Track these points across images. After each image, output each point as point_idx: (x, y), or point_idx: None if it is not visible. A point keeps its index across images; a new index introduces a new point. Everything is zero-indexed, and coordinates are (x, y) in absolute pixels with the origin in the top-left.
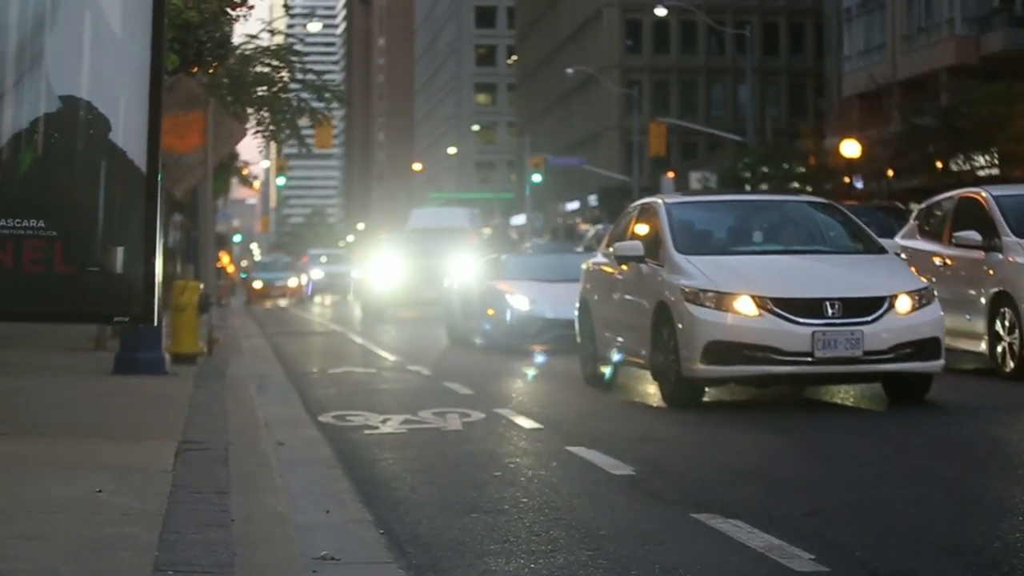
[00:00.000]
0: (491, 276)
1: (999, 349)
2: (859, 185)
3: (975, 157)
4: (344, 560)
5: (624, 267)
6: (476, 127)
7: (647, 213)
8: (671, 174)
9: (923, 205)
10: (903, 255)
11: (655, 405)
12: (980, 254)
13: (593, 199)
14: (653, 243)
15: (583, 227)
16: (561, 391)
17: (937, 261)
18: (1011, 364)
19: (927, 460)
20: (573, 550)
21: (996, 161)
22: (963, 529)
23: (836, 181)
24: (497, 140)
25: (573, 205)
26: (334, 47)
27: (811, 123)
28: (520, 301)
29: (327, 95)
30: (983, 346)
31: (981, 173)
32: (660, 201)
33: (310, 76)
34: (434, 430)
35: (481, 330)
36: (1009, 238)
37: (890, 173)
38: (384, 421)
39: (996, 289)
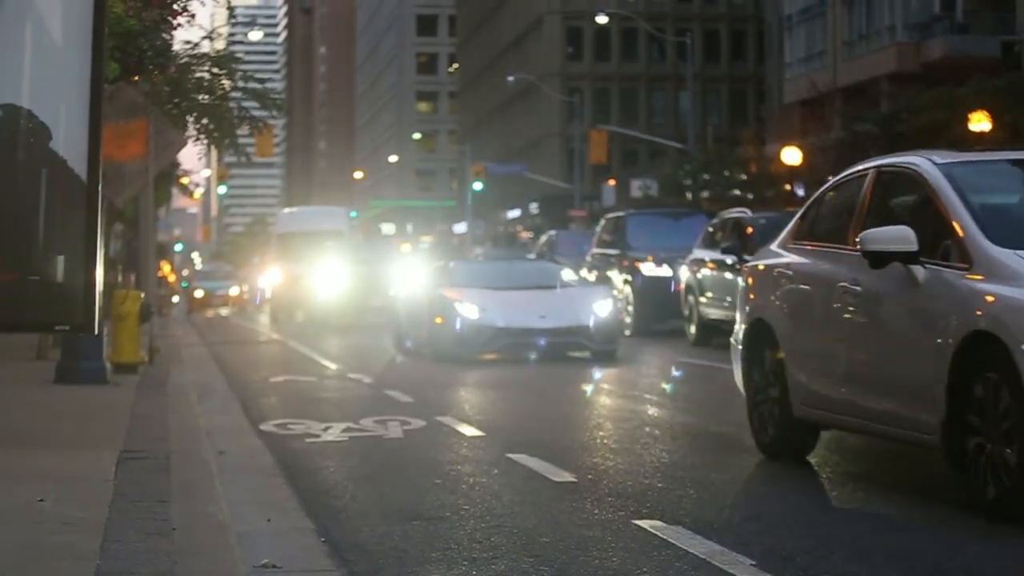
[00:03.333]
0: (439, 283)
1: None
2: (800, 192)
3: None
4: (285, 568)
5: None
6: (417, 135)
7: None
8: (612, 182)
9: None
10: None
11: (598, 414)
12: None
13: (534, 207)
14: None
15: (524, 235)
16: (503, 399)
17: None
18: None
19: (874, 467)
20: (514, 557)
21: None
22: (905, 535)
23: (777, 188)
24: (438, 148)
25: (514, 213)
26: (275, 55)
27: (752, 130)
28: (469, 309)
29: (268, 103)
30: None
31: None
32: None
33: (251, 84)
34: (375, 438)
35: (429, 339)
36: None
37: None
38: (325, 429)
39: None
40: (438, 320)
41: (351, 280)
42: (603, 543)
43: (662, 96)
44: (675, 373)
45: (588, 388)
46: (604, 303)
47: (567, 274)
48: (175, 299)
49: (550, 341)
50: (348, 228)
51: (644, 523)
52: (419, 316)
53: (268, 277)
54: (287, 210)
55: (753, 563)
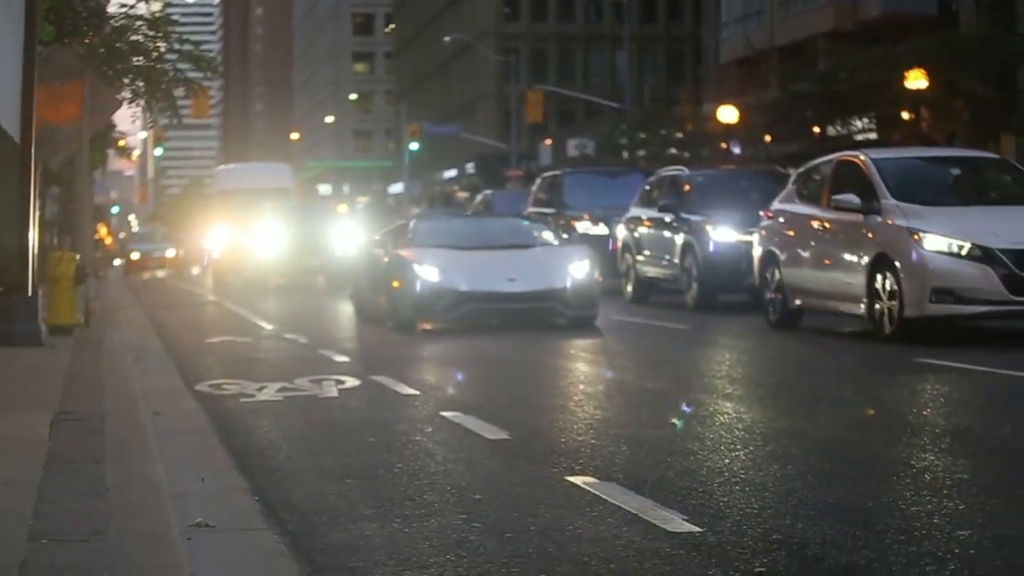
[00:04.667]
0: (397, 243)
1: (878, 311)
2: (736, 150)
3: (853, 121)
4: (219, 527)
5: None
6: (354, 96)
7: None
8: (549, 141)
9: (801, 169)
10: (781, 219)
11: (533, 372)
12: (859, 217)
13: (471, 167)
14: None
15: (460, 195)
16: (439, 358)
17: (816, 224)
18: (889, 326)
19: (803, 421)
20: (447, 514)
21: (873, 125)
22: (837, 489)
23: (714, 147)
24: (375, 109)
25: (451, 173)
26: (211, 17)
27: (689, 90)
28: (429, 271)
29: (203, 65)
30: (862, 308)
31: (859, 137)
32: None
33: (187, 46)
34: (310, 397)
35: (387, 305)
36: (888, 201)
37: (768, 138)
38: (260, 389)
39: (875, 252)
40: (395, 284)
41: (291, 240)
42: (536, 499)
43: (599, 56)
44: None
45: (523, 347)
46: (581, 264)
47: (543, 232)
48: (117, 262)
49: (520, 307)
50: (294, 185)
51: (577, 479)
52: (377, 280)
53: (214, 237)
54: (227, 166)
55: (685, 518)
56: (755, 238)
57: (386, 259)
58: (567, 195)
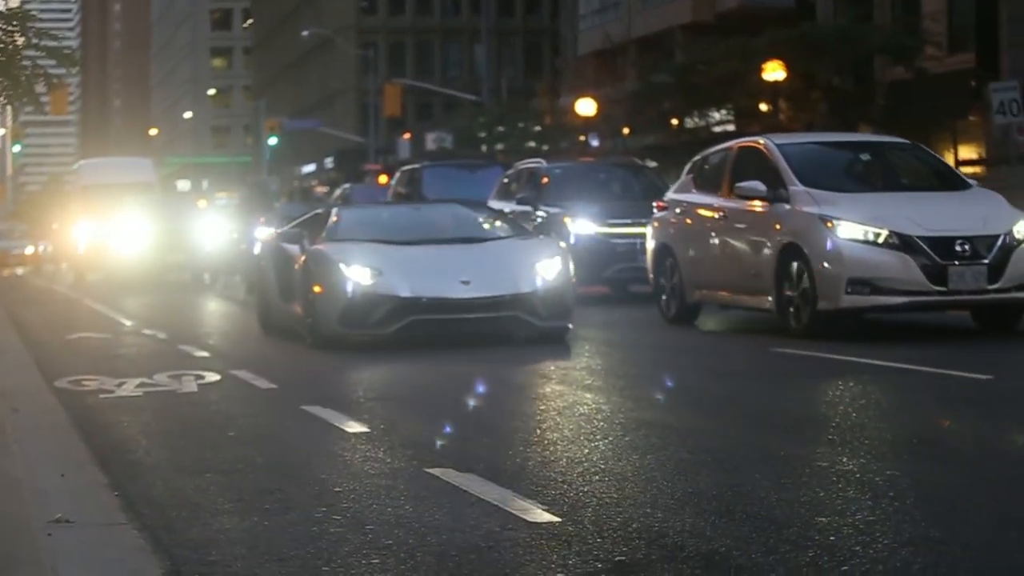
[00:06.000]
0: (315, 237)
1: (787, 304)
2: (595, 143)
3: (710, 113)
4: (79, 523)
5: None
6: (212, 91)
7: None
8: (407, 135)
9: (696, 157)
10: (677, 209)
11: (392, 365)
12: (765, 205)
13: (329, 161)
14: None
15: (319, 189)
16: (299, 352)
17: (716, 214)
18: (799, 320)
19: (665, 413)
20: (307, 507)
21: (731, 116)
22: (697, 478)
23: (572, 139)
24: (233, 104)
25: (309, 168)
26: (70, 12)
27: (547, 82)
28: (360, 272)
29: (63, 59)
30: (769, 302)
31: (717, 129)
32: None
33: (45, 41)
34: (169, 392)
35: (305, 315)
36: (796, 187)
37: (626, 130)
38: (120, 385)
39: (784, 241)
40: (316, 289)
41: (155, 236)
42: (396, 491)
43: (457, 49)
44: None
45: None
46: (551, 262)
47: (498, 223)
48: None
49: (477, 317)
50: (157, 180)
51: (436, 471)
52: (290, 284)
53: (75, 233)
54: (88, 161)
55: (544, 507)
56: (648, 230)
57: (302, 258)
58: (426, 188)
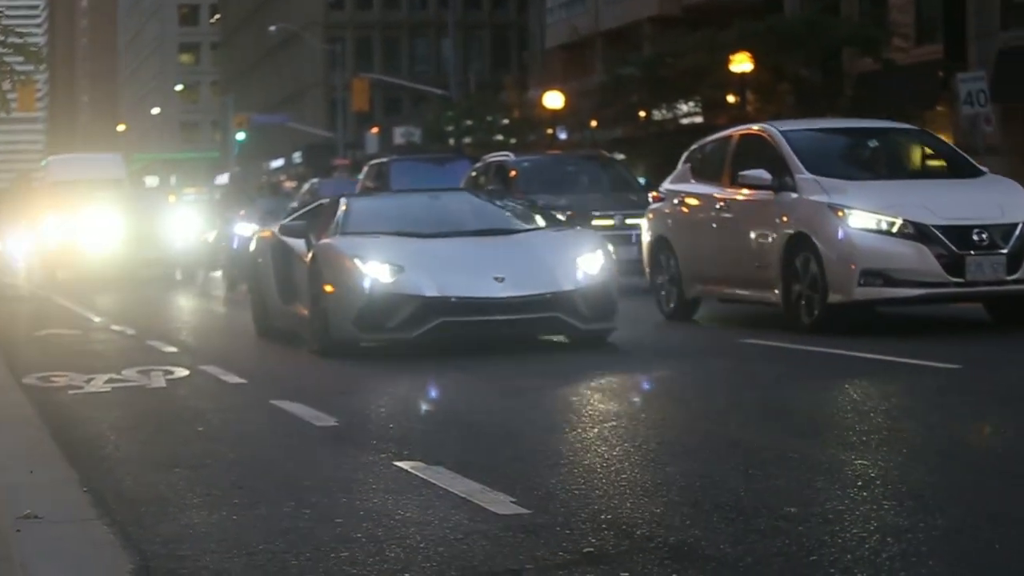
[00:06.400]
0: (321, 231)
1: (796, 297)
2: (563, 136)
3: (678, 105)
4: (48, 519)
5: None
6: (180, 87)
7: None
8: (375, 129)
9: (693, 147)
10: (674, 200)
11: (360, 359)
12: (770, 195)
13: (297, 156)
14: None
15: (287, 184)
16: (267, 346)
17: (717, 205)
18: (808, 314)
19: (626, 404)
20: (276, 501)
21: (699, 109)
22: (665, 469)
23: (540, 133)
24: (201, 99)
25: (278, 163)
26: (37, 9)
27: (515, 76)
28: (378, 269)
29: (30, 56)
30: (776, 295)
31: (684, 121)
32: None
33: (11, 39)
34: (138, 388)
35: (314, 319)
36: (804, 175)
37: (593, 123)
38: (88, 381)
39: (792, 231)
40: (328, 289)
41: (125, 232)
42: (364, 484)
43: (424, 43)
44: None
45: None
46: (593, 256)
47: (528, 213)
48: None
49: (513, 319)
50: (127, 176)
51: (405, 464)
52: (292, 284)
53: (45, 230)
54: (58, 157)
55: (513, 500)
56: (643, 222)
57: (310, 254)
58: (394, 182)
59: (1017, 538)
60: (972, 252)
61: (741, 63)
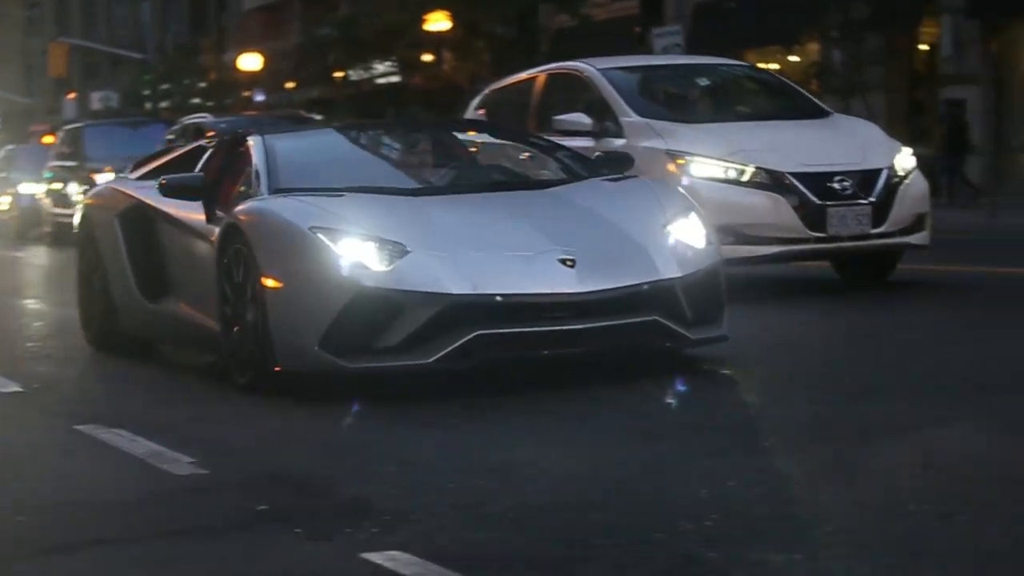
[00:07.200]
0: (232, 191)
1: None
2: (260, 98)
3: (374, 65)
4: None
5: None
6: None
7: None
8: (72, 95)
9: (486, 91)
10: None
11: (53, 324)
12: (589, 142)
13: None
14: None
15: None
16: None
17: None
18: None
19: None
20: None
21: (395, 68)
22: (335, 428)
23: (237, 95)
24: None
25: None
26: None
27: (213, 39)
28: (360, 251)
29: None
30: None
31: (380, 81)
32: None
33: None
34: None
35: (238, 333)
36: (631, 119)
37: (290, 85)
38: None
39: None
40: (269, 285)
41: None
42: (43, 448)
43: (123, 7)
44: None
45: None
46: (687, 223)
47: (564, 156)
48: None
49: (592, 327)
50: None
51: (85, 428)
52: (175, 272)
53: None
54: None
55: (191, 460)
56: None
57: (217, 230)
58: (88, 147)
59: None
60: (834, 203)
61: (437, 21)
